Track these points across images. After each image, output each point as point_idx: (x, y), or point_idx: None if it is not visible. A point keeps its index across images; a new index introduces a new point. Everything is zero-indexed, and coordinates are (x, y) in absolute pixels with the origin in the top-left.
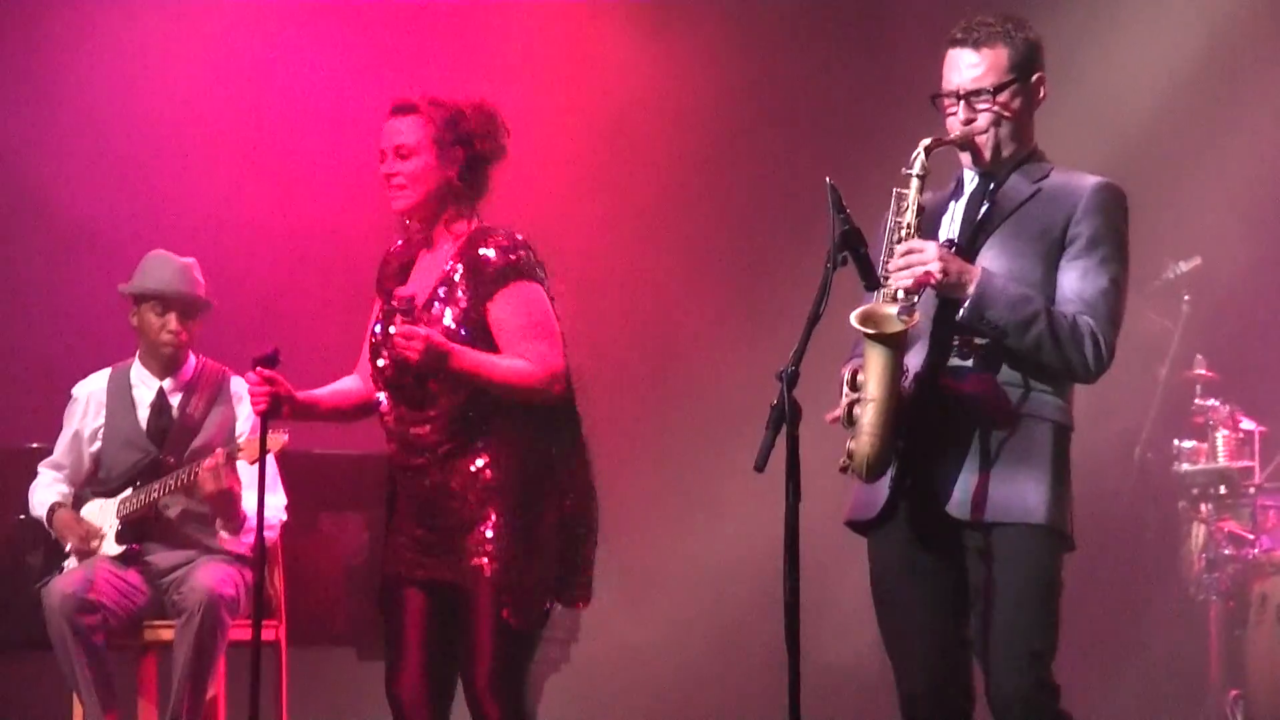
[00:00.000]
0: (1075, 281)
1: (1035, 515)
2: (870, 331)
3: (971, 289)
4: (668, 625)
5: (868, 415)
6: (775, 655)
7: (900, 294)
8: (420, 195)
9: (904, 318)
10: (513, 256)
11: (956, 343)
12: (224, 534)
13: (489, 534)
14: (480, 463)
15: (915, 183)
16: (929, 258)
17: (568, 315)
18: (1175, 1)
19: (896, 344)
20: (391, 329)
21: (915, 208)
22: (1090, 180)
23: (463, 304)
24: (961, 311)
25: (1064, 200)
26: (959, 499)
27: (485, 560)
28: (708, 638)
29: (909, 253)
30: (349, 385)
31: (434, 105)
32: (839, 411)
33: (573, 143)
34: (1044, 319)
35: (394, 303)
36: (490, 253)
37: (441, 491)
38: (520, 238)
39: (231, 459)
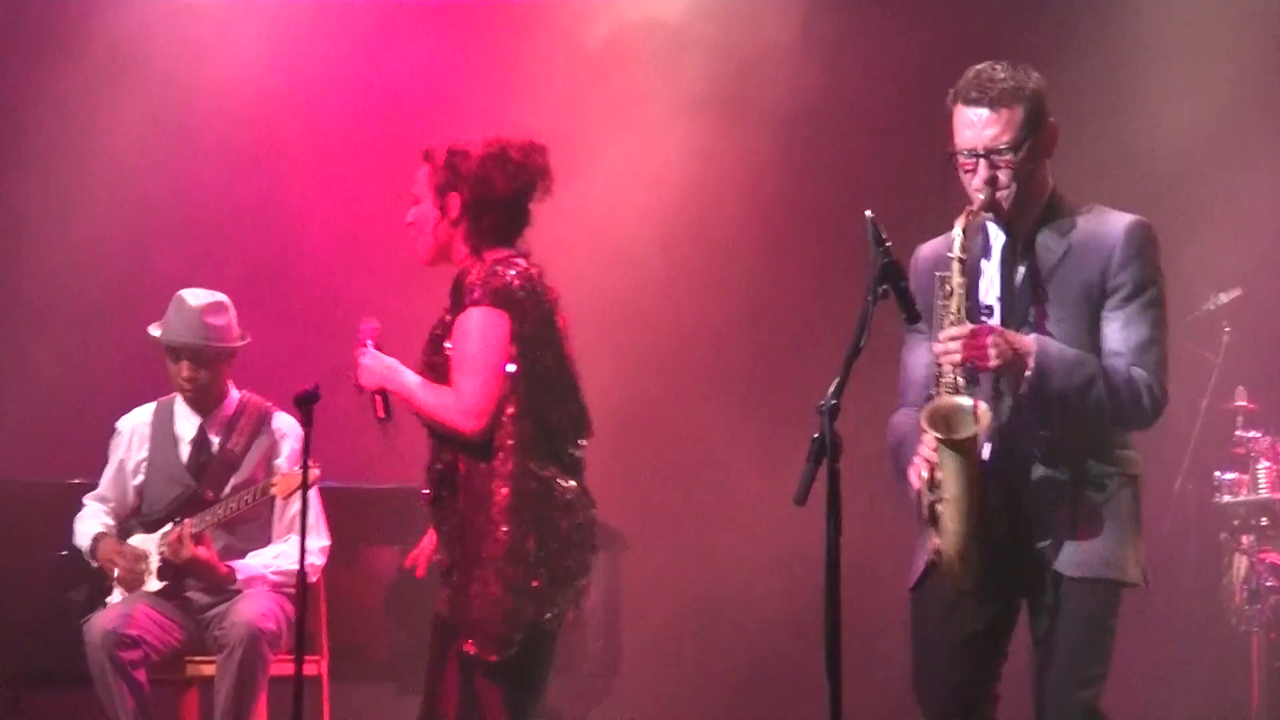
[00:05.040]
0: (1119, 331)
1: (1126, 573)
2: (944, 437)
3: (1030, 362)
4: (709, 652)
5: (950, 515)
6: (817, 682)
7: (960, 382)
8: (428, 242)
9: (974, 418)
10: (489, 281)
11: (1022, 420)
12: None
13: (453, 576)
14: (448, 504)
15: (957, 265)
16: (982, 345)
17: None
18: (1209, 33)
19: (969, 444)
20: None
21: (962, 292)
22: (1119, 223)
23: (447, 326)
24: (1023, 386)
25: (1097, 251)
26: (1052, 557)
27: (460, 600)
28: (749, 666)
29: (958, 338)
30: None
31: (442, 152)
32: (922, 510)
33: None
34: (1101, 379)
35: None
36: (473, 280)
37: (440, 527)
38: (506, 270)
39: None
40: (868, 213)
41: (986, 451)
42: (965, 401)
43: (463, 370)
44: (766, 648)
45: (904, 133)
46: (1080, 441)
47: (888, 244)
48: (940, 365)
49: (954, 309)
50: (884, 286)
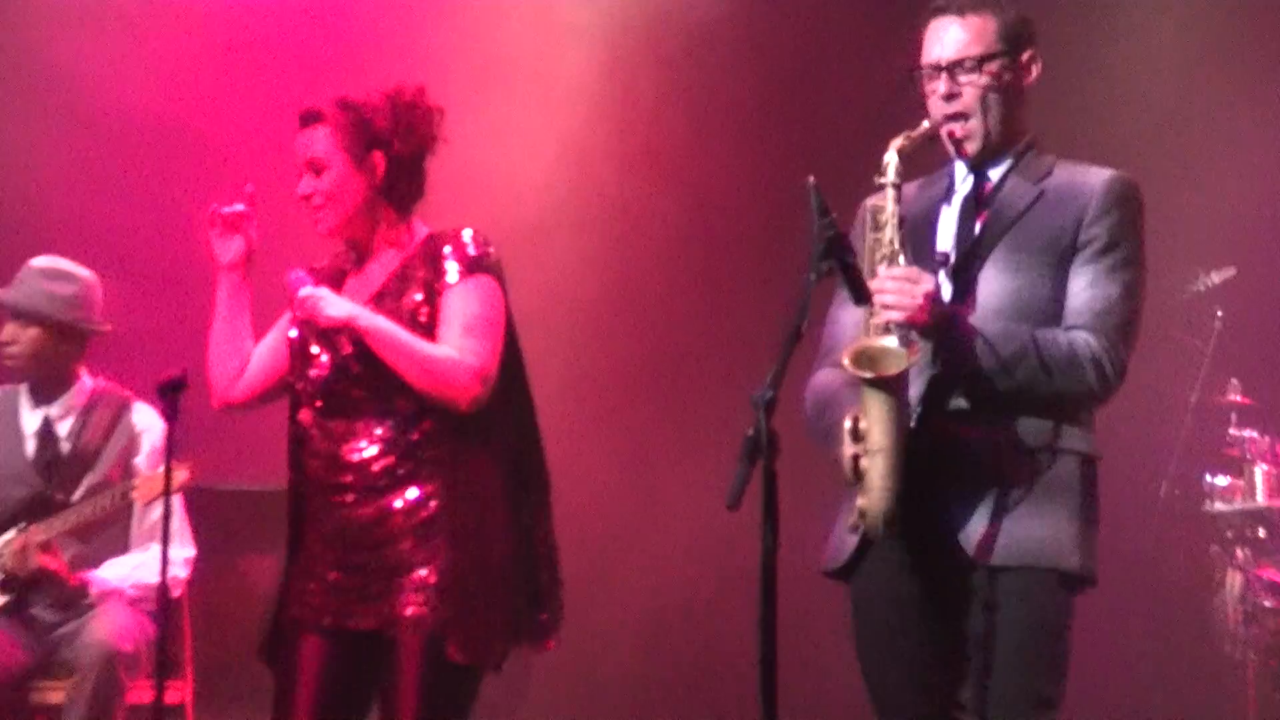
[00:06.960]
0: (1084, 290)
1: (1066, 560)
2: (869, 376)
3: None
4: (641, 653)
5: (877, 468)
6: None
7: (892, 325)
8: (344, 213)
9: (903, 351)
10: (479, 251)
11: (951, 383)
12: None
13: (429, 577)
14: (419, 493)
15: (891, 193)
16: (918, 302)
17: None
18: None
19: (898, 385)
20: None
21: (896, 221)
22: (1100, 175)
23: (416, 298)
24: (939, 366)
25: (1073, 201)
26: (974, 541)
27: (425, 608)
28: (681, 668)
29: (904, 280)
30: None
31: (342, 109)
32: (844, 465)
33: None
34: (1033, 352)
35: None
36: (455, 249)
37: (371, 528)
38: (486, 238)
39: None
40: (810, 179)
41: (913, 419)
42: (893, 342)
43: (473, 332)
44: (701, 648)
45: (847, 83)
46: (1026, 411)
47: (832, 215)
48: (871, 305)
49: (887, 240)
50: (828, 263)
